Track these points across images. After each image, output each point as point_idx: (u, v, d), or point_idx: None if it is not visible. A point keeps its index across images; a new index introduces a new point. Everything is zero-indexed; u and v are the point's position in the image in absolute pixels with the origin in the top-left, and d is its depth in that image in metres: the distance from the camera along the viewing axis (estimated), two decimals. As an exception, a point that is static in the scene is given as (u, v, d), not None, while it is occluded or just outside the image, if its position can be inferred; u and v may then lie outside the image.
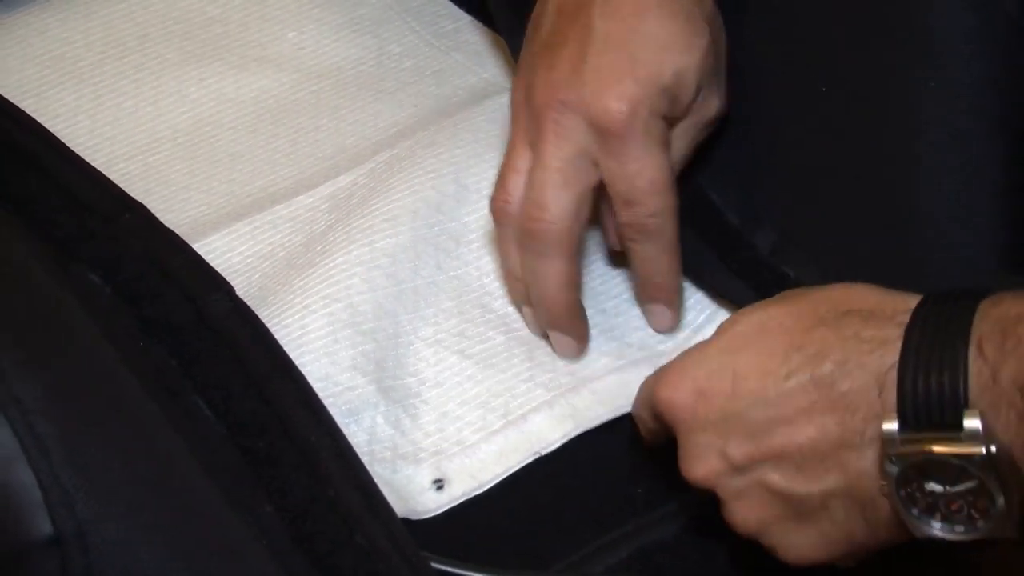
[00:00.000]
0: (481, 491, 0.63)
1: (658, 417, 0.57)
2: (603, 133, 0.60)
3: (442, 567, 0.58)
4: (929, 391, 0.49)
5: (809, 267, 0.65)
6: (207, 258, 0.68)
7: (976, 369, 0.48)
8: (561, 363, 0.67)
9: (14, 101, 0.74)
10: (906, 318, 0.51)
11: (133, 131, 0.76)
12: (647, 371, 0.61)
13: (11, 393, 0.48)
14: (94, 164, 0.72)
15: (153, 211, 0.70)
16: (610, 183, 0.62)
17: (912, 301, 0.51)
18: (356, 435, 0.64)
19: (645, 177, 0.61)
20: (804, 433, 0.52)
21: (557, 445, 0.64)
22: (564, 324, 0.65)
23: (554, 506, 0.62)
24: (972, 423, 0.48)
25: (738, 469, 0.54)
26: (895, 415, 0.49)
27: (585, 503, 0.62)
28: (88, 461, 0.49)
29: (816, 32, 0.64)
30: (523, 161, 0.63)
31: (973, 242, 0.62)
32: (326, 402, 0.62)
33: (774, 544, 0.55)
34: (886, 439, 0.49)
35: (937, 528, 0.50)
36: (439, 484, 0.63)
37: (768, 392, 0.52)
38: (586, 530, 0.61)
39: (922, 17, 0.60)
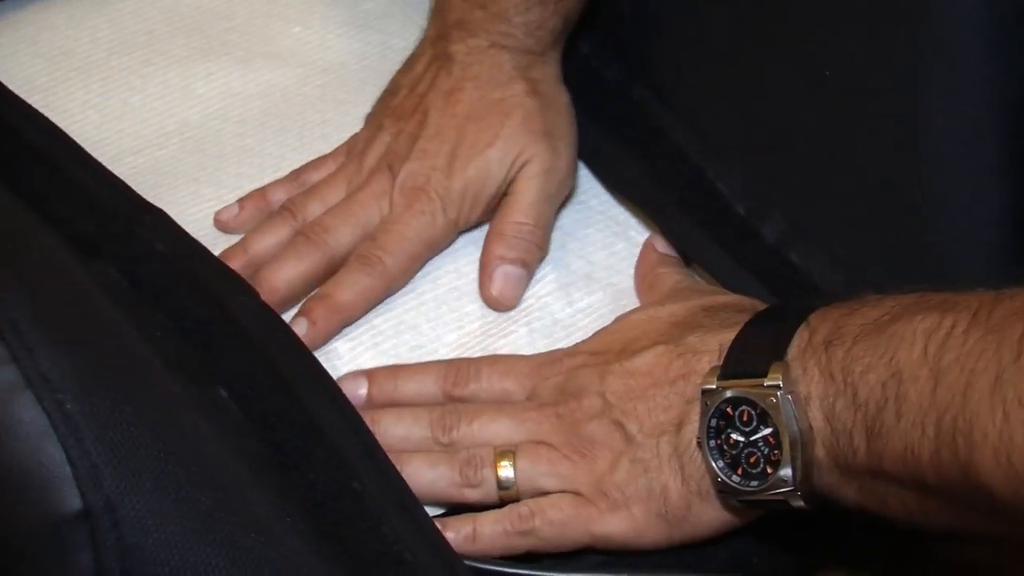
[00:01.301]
0: None
1: None
2: (401, 192, 0.69)
3: (469, 562, 0.59)
4: (751, 348, 0.57)
5: (816, 256, 0.67)
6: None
7: (799, 337, 0.56)
8: None
9: (23, 96, 0.74)
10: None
11: (141, 126, 0.77)
12: None
13: (40, 372, 0.48)
14: (103, 158, 0.72)
15: (162, 204, 0.70)
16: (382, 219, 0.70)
17: None
18: None
19: (399, 231, 0.69)
20: (653, 367, 0.60)
21: None
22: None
23: None
24: (776, 370, 0.55)
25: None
26: (719, 368, 0.57)
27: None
28: (118, 437, 0.49)
29: (824, 20, 0.65)
30: (334, 196, 0.71)
31: (981, 230, 0.63)
32: None
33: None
34: (707, 388, 0.57)
35: (736, 481, 0.56)
36: None
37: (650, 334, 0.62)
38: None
39: (930, 6, 0.60)
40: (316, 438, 0.60)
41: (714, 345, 0.59)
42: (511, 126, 0.70)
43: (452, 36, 0.72)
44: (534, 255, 0.70)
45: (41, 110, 0.74)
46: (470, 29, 0.71)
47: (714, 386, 0.56)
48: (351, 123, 0.77)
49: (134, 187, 0.71)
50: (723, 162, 0.70)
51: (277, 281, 0.68)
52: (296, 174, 0.73)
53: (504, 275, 0.69)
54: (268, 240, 0.69)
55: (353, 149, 0.73)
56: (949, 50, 0.60)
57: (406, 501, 0.59)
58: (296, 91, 0.79)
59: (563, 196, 0.72)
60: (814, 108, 0.66)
